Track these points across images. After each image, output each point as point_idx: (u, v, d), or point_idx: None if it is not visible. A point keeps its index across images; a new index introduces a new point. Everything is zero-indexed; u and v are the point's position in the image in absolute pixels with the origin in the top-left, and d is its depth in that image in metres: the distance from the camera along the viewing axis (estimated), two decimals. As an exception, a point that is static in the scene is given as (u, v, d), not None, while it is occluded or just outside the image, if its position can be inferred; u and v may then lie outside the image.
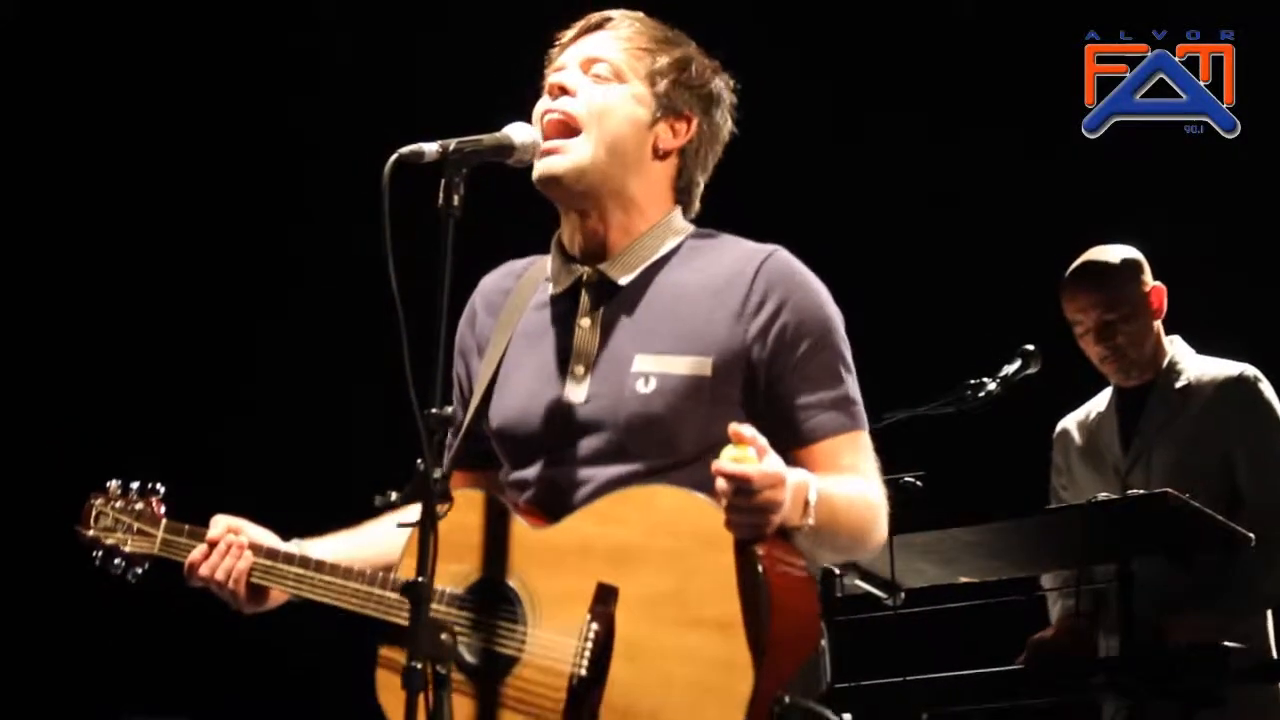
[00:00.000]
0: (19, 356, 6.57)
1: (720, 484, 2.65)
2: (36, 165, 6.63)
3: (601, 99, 2.98)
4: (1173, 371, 4.92)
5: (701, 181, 3.09)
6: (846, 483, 2.85)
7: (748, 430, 2.66)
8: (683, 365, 2.89)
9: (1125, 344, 4.92)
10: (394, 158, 2.77)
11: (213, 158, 6.68)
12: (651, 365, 2.91)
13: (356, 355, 5.88)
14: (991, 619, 4.79)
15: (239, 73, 6.69)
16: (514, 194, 3.06)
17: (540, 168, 2.97)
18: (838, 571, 4.09)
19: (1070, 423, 5.09)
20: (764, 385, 2.90)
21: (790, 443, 2.87)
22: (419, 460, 2.69)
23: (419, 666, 2.63)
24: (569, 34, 3.08)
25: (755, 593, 2.68)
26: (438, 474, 2.69)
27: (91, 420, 6.53)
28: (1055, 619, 4.93)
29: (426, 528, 2.67)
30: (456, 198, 2.78)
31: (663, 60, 3.02)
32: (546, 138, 2.97)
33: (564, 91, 2.99)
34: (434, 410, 2.70)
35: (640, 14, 3.09)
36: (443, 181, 2.79)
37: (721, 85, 3.08)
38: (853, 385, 2.94)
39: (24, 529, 6.30)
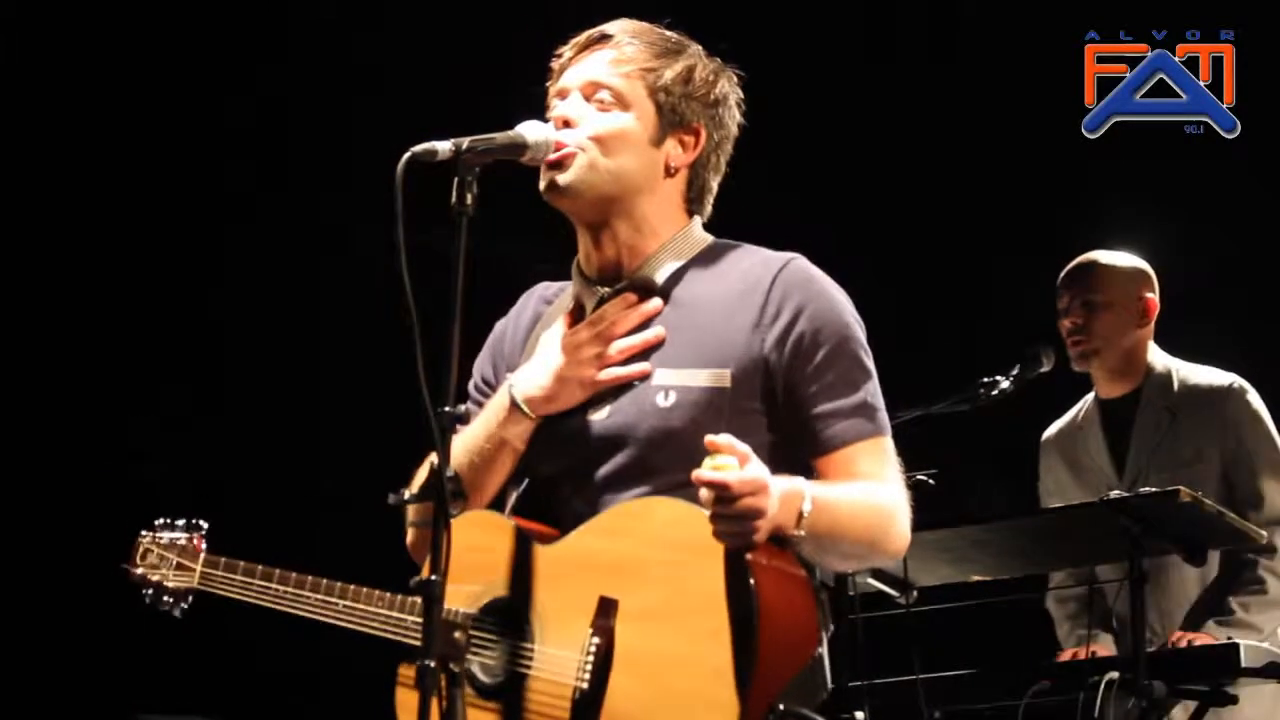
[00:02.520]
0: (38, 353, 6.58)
1: (703, 493, 2.65)
2: (34, 172, 6.63)
3: (605, 128, 2.97)
4: (1157, 384, 4.85)
5: (714, 185, 3.08)
6: (854, 489, 2.84)
7: (723, 439, 2.66)
8: (702, 378, 2.89)
9: (1095, 330, 4.86)
10: (406, 156, 2.76)
11: (213, 167, 6.68)
12: (671, 379, 2.91)
13: (361, 354, 5.89)
14: (1004, 617, 4.79)
15: (238, 79, 6.68)
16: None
17: (544, 180, 2.97)
18: (850, 570, 4.09)
19: (1053, 432, 5.05)
20: (783, 394, 2.89)
21: (810, 452, 2.89)
22: (432, 457, 2.67)
23: (432, 665, 2.62)
24: (569, 51, 3.06)
25: (744, 601, 2.69)
26: (450, 472, 2.67)
27: (93, 410, 6.55)
28: (1067, 642, 4.89)
29: (439, 526, 2.65)
30: (469, 196, 2.77)
31: (667, 76, 2.99)
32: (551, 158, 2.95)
33: (567, 124, 2.97)
34: (447, 409, 2.69)
35: (639, 25, 3.05)
36: (455, 180, 2.78)
37: (727, 85, 3.05)
38: (872, 390, 2.92)
39: (36, 530, 6.31)
